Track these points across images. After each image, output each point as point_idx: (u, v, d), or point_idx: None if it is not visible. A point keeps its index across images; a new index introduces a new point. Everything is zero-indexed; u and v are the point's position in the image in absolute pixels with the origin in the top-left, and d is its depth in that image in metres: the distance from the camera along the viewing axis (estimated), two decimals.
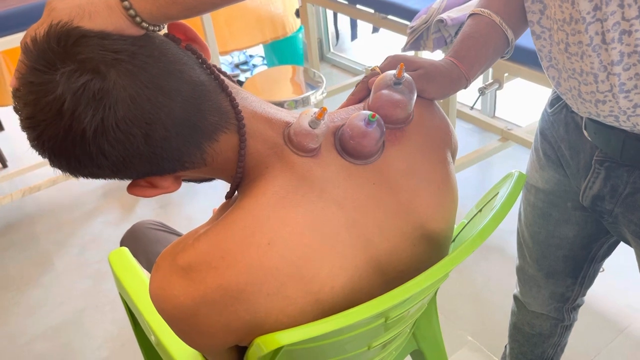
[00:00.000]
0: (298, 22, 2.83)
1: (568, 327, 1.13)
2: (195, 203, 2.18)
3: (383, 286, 0.64)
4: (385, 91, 0.65)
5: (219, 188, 2.30)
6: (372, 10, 2.04)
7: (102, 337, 1.66)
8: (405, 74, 0.65)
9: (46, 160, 2.22)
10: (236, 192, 0.65)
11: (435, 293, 0.96)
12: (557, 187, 0.90)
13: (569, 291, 1.04)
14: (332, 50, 3.22)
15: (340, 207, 0.61)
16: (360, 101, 0.72)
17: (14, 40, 1.82)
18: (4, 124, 2.80)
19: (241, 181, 0.62)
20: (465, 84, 0.76)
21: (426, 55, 1.67)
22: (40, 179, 2.18)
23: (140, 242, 1.12)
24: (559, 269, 1.00)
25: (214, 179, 0.67)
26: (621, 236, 0.86)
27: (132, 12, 0.54)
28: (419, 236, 0.66)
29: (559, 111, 0.84)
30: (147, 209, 2.18)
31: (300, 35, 2.95)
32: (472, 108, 1.90)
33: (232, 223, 0.58)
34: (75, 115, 0.51)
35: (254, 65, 3.15)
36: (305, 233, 0.59)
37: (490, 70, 1.97)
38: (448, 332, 1.08)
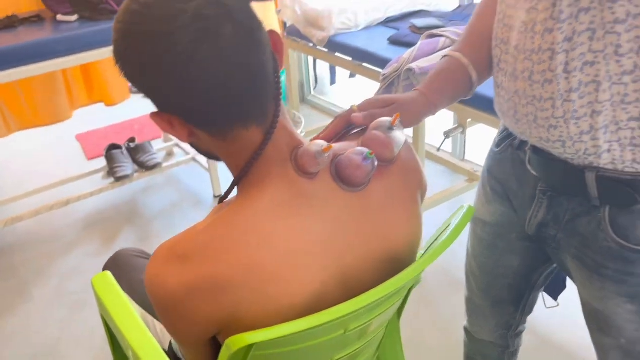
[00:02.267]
0: None
1: (514, 353, 1.21)
2: None
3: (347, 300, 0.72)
4: (380, 133, 0.76)
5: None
6: (349, 58, 2.18)
7: None
8: (398, 122, 0.77)
9: (29, 191, 2.30)
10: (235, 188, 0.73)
11: (399, 319, 1.04)
12: (502, 219, 1.00)
13: (512, 319, 1.13)
14: (312, 93, 3.36)
15: (324, 223, 0.70)
16: (335, 135, 0.83)
17: (18, 73, 1.90)
18: None
19: (244, 177, 0.70)
20: (433, 110, 0.89)
21: None
22: (23, 210, 2.21)
23: (123, 269, 1.17)
24: (504, 297, 1.09)
25: (220, 159, 0.74)
26: (562, 263, 0.95)
27: None
28: (386, 259, 0.76)
29: (505, 150, 0.95)
30: (128, 243, 2.22)
31: (282, 78, 3.08)
32: (439, 149, 2.03)
33: (230, 222, 0.67)
34: (183, 30, 0.58)
35: None
36: (292, 241, 0.68)
37: (455, 116, 2.11)
38: None
